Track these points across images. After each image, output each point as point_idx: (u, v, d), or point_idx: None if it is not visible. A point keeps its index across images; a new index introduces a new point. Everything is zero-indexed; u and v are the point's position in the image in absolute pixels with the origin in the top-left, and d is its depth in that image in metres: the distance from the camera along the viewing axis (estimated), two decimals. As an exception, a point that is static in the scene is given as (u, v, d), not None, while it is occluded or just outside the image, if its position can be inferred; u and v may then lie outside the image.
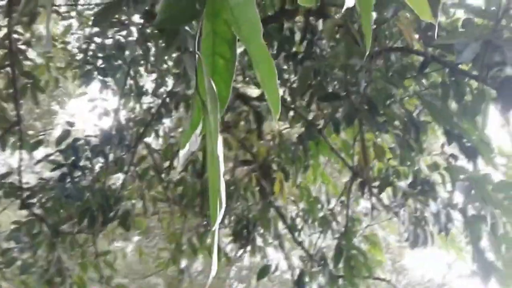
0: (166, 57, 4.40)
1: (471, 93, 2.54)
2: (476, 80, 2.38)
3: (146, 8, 2.62)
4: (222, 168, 0.64)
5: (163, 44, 2.59)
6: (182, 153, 0.81)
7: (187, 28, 2.45)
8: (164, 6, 0.80)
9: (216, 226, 0.74)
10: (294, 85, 3.55)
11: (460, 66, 2.44)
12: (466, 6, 2.53)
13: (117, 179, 4.37)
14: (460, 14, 3.12)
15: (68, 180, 3.31)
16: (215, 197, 0.70)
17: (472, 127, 2.48)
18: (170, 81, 5.06)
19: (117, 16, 3.91)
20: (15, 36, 3.95)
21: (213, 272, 0.73)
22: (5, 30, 4.22)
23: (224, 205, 0.66)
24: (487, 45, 1.97)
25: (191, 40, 2.33)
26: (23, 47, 4.17)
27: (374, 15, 3.02)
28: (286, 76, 3.68)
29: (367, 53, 1.17)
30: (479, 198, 2.22)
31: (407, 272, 11.44)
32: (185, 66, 2.24)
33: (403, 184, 2.62)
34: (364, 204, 4.00)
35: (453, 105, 2.61)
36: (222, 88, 0.78)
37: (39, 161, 3.67)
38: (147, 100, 5.01)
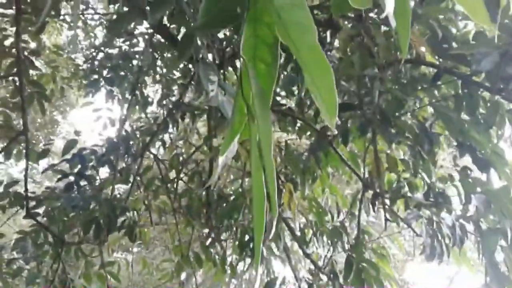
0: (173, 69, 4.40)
1: (485, 105, 2.53)
2: (490, 92, 2.37)
3: (159, 17, 2.60)
4: (275, 174, 0.62)
5: (176, 53, 2.57)
6: (221, 160, 0.79)
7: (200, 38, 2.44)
8: (205, 9, 0.78)
9: (261, 238, 0.72)
10: (302, 96, 3.54)
11: (473, 78, 2.43)
12: (479, 18, 2.53)
13: (123, 188, 4.34)
14: (471, 26, 3.15)
15: (75, 189, 3.28)
16: (260, 206, 0.67)
17: (485, 140, 2.47)
18: (175, 92, 5.07)
19: (125, 26, 3.91)
20: (23, 45, 3.94)
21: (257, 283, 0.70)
22: (11, 39, 4.23)
23: (277, 214, 0.63)
24: (504, 56, 1.96)
25: (204, 49, 2.32)
26: (30, 56, 4.17)
27: (384, 28, 3.03)
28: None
29: (403, 60, 1.15)
30: (498, 211, 2.19)
31: (408, 286, 11.35)
32: (198, 76, 2.22)
33: (418, 195, 2.59)
34: (373, 216, 3.97)
35: (465, 117, 2.60)
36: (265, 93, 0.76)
37: (45, 170, 3.64)
38: (152, 110, 5.00)
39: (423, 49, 2.62)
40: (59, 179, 3.48)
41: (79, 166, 3.42)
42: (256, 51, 0.79)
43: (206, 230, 4.06)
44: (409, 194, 2.69)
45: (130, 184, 3.74)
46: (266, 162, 0.62)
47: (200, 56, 2.37)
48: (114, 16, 4.06)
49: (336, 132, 3.20)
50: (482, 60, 1.88)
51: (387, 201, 2.79)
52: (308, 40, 0.64)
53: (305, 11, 0.66)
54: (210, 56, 2.72)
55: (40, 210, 3.42)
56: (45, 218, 3.49)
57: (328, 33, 3.44)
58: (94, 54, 4.53)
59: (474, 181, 2.47)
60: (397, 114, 2.68)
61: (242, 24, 0.77)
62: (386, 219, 2.76)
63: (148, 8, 2.10)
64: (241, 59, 0.72)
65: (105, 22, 5.44)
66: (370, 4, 0.70)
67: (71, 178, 3.41)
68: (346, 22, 3.30)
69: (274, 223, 3.03)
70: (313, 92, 0.66)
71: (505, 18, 2.28)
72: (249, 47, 0.79)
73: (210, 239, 3.91)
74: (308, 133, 3.91)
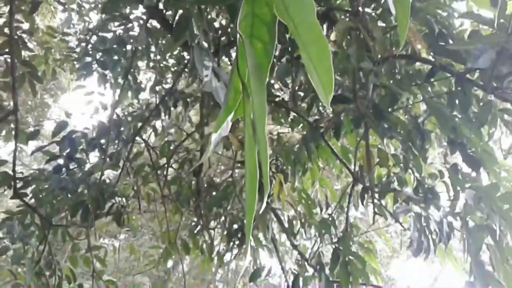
0: (167, 54, 4.37)
1: (477, 103, 2.54)
2: (484, 90, 2.37)
3: (154, 1, 2.58)
4: (268, 153, 0.61)
5: (170, 38, 2.55)
6: (214, 137, 0.78)
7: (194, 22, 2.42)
8: (204, -16, 0.76)
9: (252, 218, 0.71)
10: (295, 88, 3.54)
11: (467, 75, 2.44)
12: (477, 17, 2.54)
13: (112, 173, 4.32)
14: (467, 25, 3.16)
15: (64, 171, 3.25)
16: (253, 186, 0.66)
17: (476, 138, 2.48)
18: (169, 79, 5.05)
19: (120, 9, 3.87)
20: (16, 24, 3.89)
21: (247, 262, 0.69)
22: (4, 18, 4.17)
23: (268, 190, 0.63)
24: (500, 55, 1.97)
25: (200, 34, 2.30)
26: (23, 36, 4.11)
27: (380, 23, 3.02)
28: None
29: (400, 49, 1.15)
30: (487, 207, 2.21)
31: (393, 283, 11.47)
32: (193, 61, 2.20)
33: (408, 190, 2.61)
34: (360, 212, 3.99)
35: (458, 114, 2.61)
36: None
37: (34, 152, 3.60)
38: (145, 96, 4.98)
39: (419, 46, 2.62)
40: (48, 161, 3.44)
41: (69, 148, 3.39)
42: (253, 29, 0.78)
43: (195, 218, 4.05)
44: (398, 189, 2.71)
45: (119, 170, 3.72)
46: (260, 139, 0.61)
47: (196, 41, 2.35)
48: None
49: (328, 125, 3.21)
50: (479, 57, 1.88)
51: (376, 195, 2.80)
52: (307, 17, 0.63)
53: (305, -12, 0.65)
54: (205, 44, 2.70)
55: (28, 191, 3.39)
56: (33, 200, 3.46)
57: (324, 26, 3.43)
58: (88, 37, 4.47)
59: (464, 177, 2.49)
60: (390, 109, 2.69)
61: (239, 1, 0.76)
62: (375, 213, 2.78)
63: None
64: (238, 36, 0.71)
65: (100, 6, 5.37)
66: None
67: (60, 160, 3.38)
68: (342, 16, 3.30)
69: (262, 208, 3.03)
70: (309, 71, 0.65)
71: (501, 17, 2.28)
72: (246, 25, 0.78)
73: (198, 227, 3.91)
74: (301, 125, 3.91)
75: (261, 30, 0.78)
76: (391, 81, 2.68)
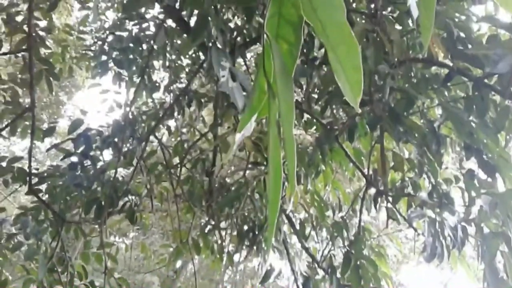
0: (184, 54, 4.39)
1: (495, 109, 2.52)
2: (502, 95, 2.35)
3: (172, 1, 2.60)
4: (295, 153, 0.61)
5: (186, 38, 2.56)
6: (238, 136, 0.78)
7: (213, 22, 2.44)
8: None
9: (275, 217, 0.71)
10: (310, 89, 3.53)
11: (485, 80, 2.42)
12: (495, 21, 2.52)
13: (125, 172, 4.34)
14: (484, 29, 3.13)
15: (78, 168, 3.28)
16: (277, 187, 0.66)
17: (493, 143, 2.46)
18: (183, 79, 5.07)
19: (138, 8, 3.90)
20: (34, 21, 3.94)
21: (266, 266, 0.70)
22: (22, 15, 4.22)
23: (295, 190, 0.63)
24: (520, 60, 1.95)
25: (217, 35, 2.31)
26: (41, 33, 4.17)
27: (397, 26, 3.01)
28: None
29: (424, 53, 1.14)
30: (503, 213, 2.19)
31: (402, 288, 11.39)
32: (210, 61, 2.21)
33: (423, 194, 2.59)
34: (371, 216, 3.97)
35: (475, 120, 2.59)
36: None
37: (49, 149, 3.65)
38: (160, 95, 5.00)
39: (437, 49, 2.61)
40: (64, 158, 3.48)
41: (84, 146, 3.42)
42: (279, 30, 0.78)
43: (206, 218, 4.06)
44: (412, 193, 2.69)
45: (133, 168, 3.75)
46: (287, 139, 0.61)
47: (213, 41, 2.37)
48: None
49: (342, 128, 3.20)
50: (499, 62, 1.86)
51: (390, 200, 2.78)
52: (336, 17, 0.63)
53: (334, -11, 0.65)
54: (221, 44, 2.71)
55: (42, 188, 3.43)
56: (47, 196, 3.50)
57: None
58: (104, 36, 4.51)
59: (480, 183, 2.47)
60: (406, 113, 2.67)
61: (267, 2, 0.76)
62: (389, 217, 2.76)
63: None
64: (265, 35, 0.71)
65: (116, 5, 5.42)
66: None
67: (75, 158, 3.42)
68: (359, 19, 3.28)
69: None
70: (336, 71, 0.65)
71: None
72: (273, 26, 0.78)
73: (209, 227, 3.91)
74: (314, 128, 3.90)
75: (287, 31, 0.78)
76: (408, 85, 2.66)
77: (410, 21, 2.88)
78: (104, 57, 4.29)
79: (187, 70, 4.88)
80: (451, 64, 2.53)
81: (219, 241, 3.85)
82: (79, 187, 3.19)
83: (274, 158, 0.66)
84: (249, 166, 3.69)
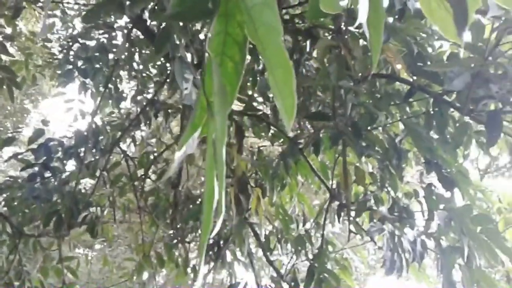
0: (150, 64, 4.35)
1: (454, 124, 2.58)
2: (460, 112, 2.41)
3: (138, 12, 2.58)
4: (224, 172, 0.60)
5: (153, 49, 2.54)
6: (178, 155, 0.77)
7: (177, 35, 2.42)
8: (176, 0, 0.76)
9: (207, 237, 0.70)
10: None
11: (445, 97, 2.48)
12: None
13: (88, 183, 4.25)
14: (446, 47, 3.21)
15: (38, 180, 3.19)
16: (210, 204, 0.65)
17: (452, 159, 2.51)
18: (150, 89, 5.01)
19: (102, 18, 3.85)
20: (-4, 28, 3.84)
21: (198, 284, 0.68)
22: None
23: (223, 213, 0.62)
24: (476, 78, 2.01)
25: (182, 48, 2.29)
26: (1, 40, 4.06)
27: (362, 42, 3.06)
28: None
29: (372, 71, 1.15)
30: (458, 229, 2.23)
31: (370, 300, 11.46)
32: (173, 73, 2.19)
33: (383, 209, 2.62)
34: (334, 227, 3.99)
35: (434, 135, 2.65)
36: (228, 92, 0.75)
37: (9, 159, 3.53)
38: (125, 105, 4.93)
39: (399, 66, 2.66)
40: (22, 169, 3.38)
41: (45, 157, 3.33)
42: (224, 48, 0.77)
43: (171, 231, 4.00)
44: (374, 207, 2.72)
45: (96, 179, 3.67)
46: (218, 160, 0.60)
47: (178, 53, 2.35)
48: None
49: (307, 141, 3.21)
50: (454, 79, 1.92)
51: (353, 213, 2.80)
52: (274, 40, 0.63)
53: (274, 11, 0.65)
54: (189, 55, 2.70)
55: (0, 199, 3.32)
56: (5, 208, 3.39)
57: (308, 42, 3.45)
58: (70, 44, 4.43)
59: (438, 198, 2.51)
60: (369, 127, 2.71)
61: (211, 19, 0.76)
62: (350, 231, 2.78)
63: (127, 1, 2.06)
64: (206, 54, 0.71)
65: (84, 13, 5.34)
66: (341, 9, 0.70)
67: (36, 169, 3.32)
68: (326, 34, 3.33)
69: (237, 223, 3.02)
70: (274, 94, 0.65)
71: (479, 41, 2.33)
72: (218, 44, 0.77)
73: (174, 240, 3.86)
74: (281, 140, 3.92)
75: (233, 49, 0.78)
76: (371, 100, 2.70)
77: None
78: (69, 66, 4.21)
79: (155, 80, 4.83)
80: (412, 81, 2.58)
81: (184, 255, 3.79)
82: (38, 199, 3.10)
83: (209, 180, 0.65)
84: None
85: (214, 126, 0.65)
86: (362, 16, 0.79)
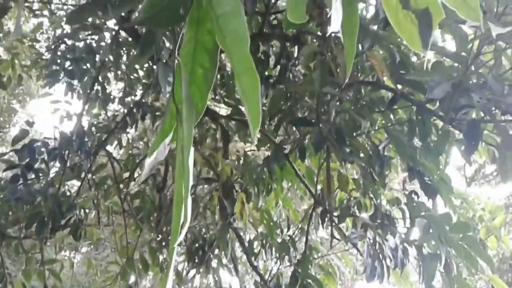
0: (137, 66, 4.34)
1: (436, 132, 2.60)
2: (442, 120, 2.43)
3: (122, 14, 2.57)
4: (191, 181, 0.60)
5: (137, 52, 2.53)
6: (148, 161, 0.77)
7: (163, 38, 2.42)
8: (147, 5, 0.76)
9: (176, 243, 0.70)
10: (264, 108, 3.55)
11: (427, 105, 2.50)
12: (439, 49, 2.61)
13: (72, 185, 4.21)
14: (430, 56, 3.25)
15: (21, 182, 3.15)
16: (179, 211, 0.66)
17: (434, 166, 2.53)
18: (138, 91, 4.99)
19: (90, 19, 3.84)
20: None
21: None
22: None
23: (188, 220, 0.62)
24: (457, 87, 2.03)
25: (166, 51, 2.29)
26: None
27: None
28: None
29: (346, 79, 1.16)
30: (436, 236, 2.25)
31: (356, 305, 11.48)
32: (157, 76, 2.19)
33: (364, 216, 2.63)
34: (322, 233, 4.00)
35: (417, 143, 2.67)
36: (198, 98, 0.75)
37: (-9, 159, 3.49)
38: (113, 107, 4.91)
39: (383, 73, 2.68)
40: (5, 170, 3.35)
41: (28, 158, 3.29)
42: (195, 55, 0.78)
43: (156, 234, 3.98)
44: (357, 213, 2.73)
45: (80, 181, 3.64)
46: (184, 167, 0.60)
47: (162, 56, 2.34)
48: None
49: (292, 146, 3.22)
50: (434, 88, 1.94)
51: (336, 219, 2.81)
52: (241, 49, 0.64)
53: (241, 20, 0.65)
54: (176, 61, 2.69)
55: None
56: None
57: (296, 48, 3.47)
58: (57, 44, 4.40)
59: (419, 206, 2.53)
60: (353, 134, 2.72)
61: (183, 26, 0.76)
62: (333, 237, 2.79)
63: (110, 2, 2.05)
64: (176, 61, 0.71)
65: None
66: (305, 19, 0.71)
67: (19, 170, 3.28)
68: (314, 40, 3.34)
69: (221, 228, 3.01)
70: (242, 100, 0.65)
71: (462, 50, 2.36)
72: (189, 51, 0.78)
73: (158, 244, 3.84)
74: (268, 145, 3.92)
75: (203, 56, 0.78)
76: (354, 107, 2.72)
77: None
78: (55, 67, 4.18)
79: (142, 82, 4.81)
80: (395, 88, 2.60)
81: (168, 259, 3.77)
82: (20, 201, 3.07)
83: (178, 186, 0.65)
84: (201, 182, 3.66)
85: (182, 133, 0.65)
86: (335, 24, 0.80)
